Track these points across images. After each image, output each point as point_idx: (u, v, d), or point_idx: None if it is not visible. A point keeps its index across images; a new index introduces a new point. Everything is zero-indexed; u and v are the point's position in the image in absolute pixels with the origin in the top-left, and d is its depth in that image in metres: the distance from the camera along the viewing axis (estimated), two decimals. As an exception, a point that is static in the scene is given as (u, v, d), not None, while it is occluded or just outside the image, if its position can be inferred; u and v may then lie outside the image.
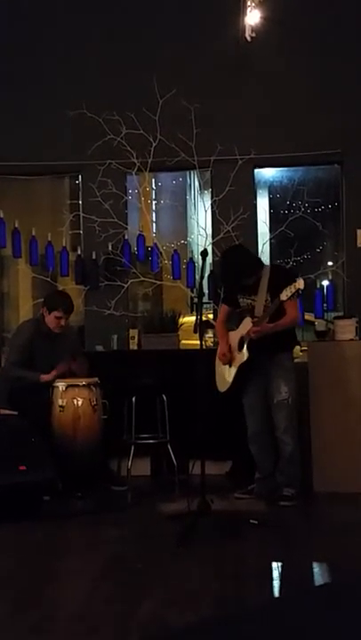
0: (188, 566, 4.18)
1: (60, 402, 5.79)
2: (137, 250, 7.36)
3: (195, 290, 7.07)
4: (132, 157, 7.20)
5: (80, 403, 5.79)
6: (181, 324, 7.09)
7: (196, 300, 5.82)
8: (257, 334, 5.46)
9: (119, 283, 7.27)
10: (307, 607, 3.64)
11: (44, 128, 7.35)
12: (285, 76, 7.27)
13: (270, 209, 8.71)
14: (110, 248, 7.27)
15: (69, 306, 6.13)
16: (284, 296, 5.33)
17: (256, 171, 7.48)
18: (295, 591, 3.86)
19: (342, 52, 7.23)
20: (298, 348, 6.29)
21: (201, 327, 5.13)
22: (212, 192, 7.40)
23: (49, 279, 7.55)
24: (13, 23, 7.46)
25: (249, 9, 6.58)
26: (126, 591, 3.84)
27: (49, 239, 7.38)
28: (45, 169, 7.50)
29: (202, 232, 7.48)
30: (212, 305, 7.20)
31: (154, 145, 7.17)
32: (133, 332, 7.06)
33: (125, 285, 7.30)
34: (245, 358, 5.55)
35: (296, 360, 6.12)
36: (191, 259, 7.44)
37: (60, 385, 5.83)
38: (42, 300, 6.37)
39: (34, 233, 7.39)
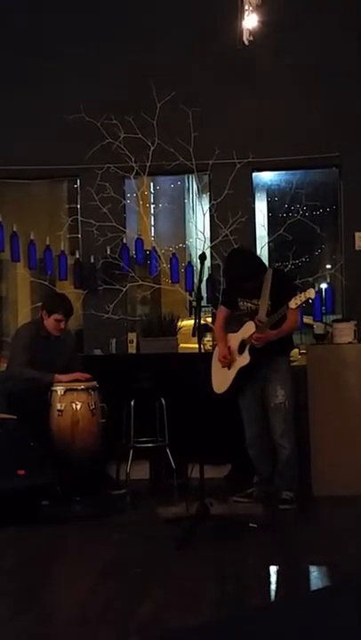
0: (188, 569, 4.18)
1: (58, 406, 5.78)
2: (135, 253, 7.37)
3: (193, 293, 7.08)
4: (131, 161, 7.21)
5: (79, 407, 5.78)
6: (180, 328, 7.09)
7: (194, 303, 5.83)
8: (260, 342, 5.46)
9: (118, 286, 7.27)
10: (306, 610, 3.64)
11: (42, 132, 7.35)
12: (283, 79, 7.28)
13: (269, 212, 8.73)
14: (109, 252, 7.27)
15: (69, 309, 6.09)
16: (293, 304, 5.34)
17: (254, 174, 7.49)
18: (294, 594, 3.86)
19: (340, 56, 7.25)
20: (296, 350, 6.30)
21: (199, 331, 5.12)
22: (210, 195, 7.41)
23: (47, 283, 7.56)
24: (12, 28, 7.47)
25: (246, 13, 6.57)
26: (126, 594, 3.84)
27: (47, 243, 7.38)
28: (44, 173, 7.51)
29: (200, 235, 7.49)
30: (210, 308, 7.20)
31: (152, 149, 7.18)
32: (132, 336, 7.06)
33: (124, 289, 7.30)
34: (247, 362, 5.55)
35: (295, 363, 6.13)
36: (190, 262, 7.45)
37: (59, 389, 5.82)
38: (40, 303, 6.35)
39: (32, 237, 7.40)
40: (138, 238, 7.43)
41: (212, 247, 7.26)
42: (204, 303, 6.27)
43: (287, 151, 7.22)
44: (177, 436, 6.05)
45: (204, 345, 5.97)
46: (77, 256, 7.44)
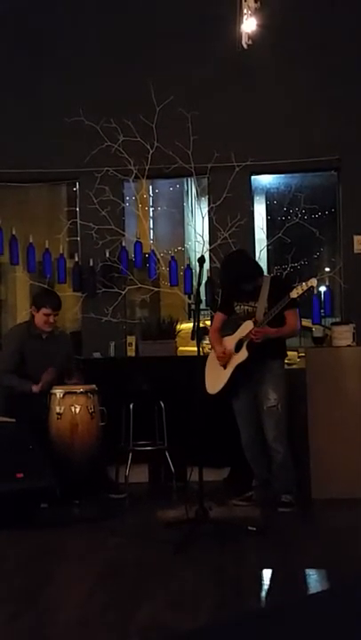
0: (187, 573, 4.18)
1: (57, 409, 5.78)
2: (134, 257, 7.37)
3: (192, 296, 7.08)
4: (130, 164, 7.22)
5: (78, 410, 5.78)
6: (179, 331, 7.10)
7: (193, 306, 5.83)
8: (258, 335, 5.45)
9: (116, 289, 7.27)
10: (305, 613, 3.64)
11: (41, 135, 7.36)
12: (282, 83, 7.30)
13: (267, 215, 8.73)
14: (108, 255, 7.28)
15: (57, 302, 6.09)
16: (294, 293, 5.36)
17: (253, 177, 7.50)
18: (293, 597, 3.86)
19: (339, 59, 7.26)
20: (295, 353, 6.31)
21: (198, 334, 5.12)
22: (209, 199, 7.42)
23: (46, 286, 7.55)
24: (13, 31, 7.48)
25: (245, 16, 6.59)
26: (125, 597, 3.83)
27: (46, 246, 7.39)
28: (43, 176, 7.52)
29: (199, 239, 7.50)
30: (209, 312, 7.21)
31: (151, 152, 7.19)
32: (131, 339, 7.07)
33: (123, 292, 7.31)
34: (245, 357, 5.54)
35: (293, 366, 6.14)
36: (188, 265, 7.46)
37: (58, 392, 5.82)
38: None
39: (31, 240, 7.40)
40: (137, 241, 7.44)
41: (210, 250, 7.26)
42: (202, 306, 6.29)
43: (286, 154, 7.23)
44: (176, 439, 6.05)
45: (203, 348, 5.95)
46: (76, 259, 7.44)
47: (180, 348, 7.04)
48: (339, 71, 7.27)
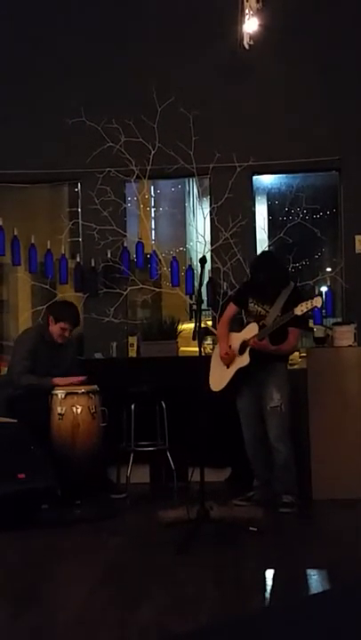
0: (188, 573, 4.18)
1: (59, 409, 5.77)
2: (136, 257, 7.38)
3: (194, 297, 7.08)
4: (131, 165, 7.23)
5: (79, 410, 5.78)
6: (180, 331, 7.10)
7: (195, 307, 5.83)
8: (257, 347, 5.47)
9: (118, 290, 7.28)
10: (306, 614, 3.64)
11: (43, 136, 7.37)
12: (284, 83, 7.30)
13: (269, 215, 8.72)
14: (109, 255, 7.28)
15: (77, 320, 6.11)
16: (298, 311, 5.35)
17: (254, 177, 7.51)
18: (294, 598, 3.86)
19: (341, 59, 7.27)
20: (297, 354, 6.31)
21: (200, 334, 5.13)
22: (210, 199, 7.42)
23: (48, 287, 7.56)
24: (13, 32, 7.49)
25: (247, 17, 6.59)
26: (125, 597, 3.84)
27: (48, 247, 7.39)
28: (44, 177, 7.52)
29: (201, 239, 7.50)
30: (210, 312, 7.21)
31: (153, 152, 7.19)
32: (132, 340, 7.07)
33: (124, 293, 7.31)
34: (246, 363, 5.56)
35: (295, 366, 6.13)
36: (190, 266, 7.45)
37: (59, 392, 5.82)
38: (41, 307, 6.37)
39: (33, 240, 7.41)
40: (138, 242, 7.45)
41: (212, 250, 7.27)
42: (204, 307, 6.29)
43: (287, 154, 7.23)
44: (177, 439, 6.06)
45: (204, 348, 5.98)
46: (78, 260, 7.45)
47: (182, 349, 7.04)
48: (340, 71, 7.27)
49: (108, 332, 7.19)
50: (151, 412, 6.16)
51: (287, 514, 5.49)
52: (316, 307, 5.46)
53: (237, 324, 5.83)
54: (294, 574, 4.20)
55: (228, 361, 5.69)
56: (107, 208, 7.28)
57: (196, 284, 5.59)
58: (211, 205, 7.37)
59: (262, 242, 7.61)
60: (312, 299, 5.39)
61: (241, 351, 5.63)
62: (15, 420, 5.66)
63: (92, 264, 7.31)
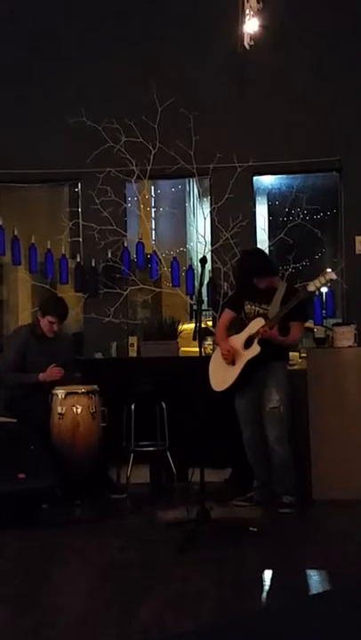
0: (188, 573, 4.18)
1: (59, 409, 5.78)
2: (136, 257, 7.37)
3: (194, 297, 7.08)
4: (132, 165, 7.22)
5: (79, 410, 5.79)
6: (181, 332, 7.10)
7: (195, 307, 5.82)
8: (265, 335, 5.46)
9: (118, 290, 7.27)
10: (306, 614, 3.64)
11: (43, 136, 7.36)
12: (284, 83, 7.30)
13: (269, 216, 8.74)
14: (110, 255, 7.28)
15: (63, 312, 6.15)
16: (312, 286, 5.35)
17: (255, 178, 7.50)
18: (294, 598, 3.86)
19: (341, 60, 7.26)
20: (297, 354, 6.30)
21: (200, 334, 5.13)
22: (211, 199, 7.42)
23: (48, 287, 7.56)
24: (14, 33, 7.48)
25: (247, 17, 6.59)
26: (125, 597, 3.84)
27: (48, 247, 7.39)
28: (45, 177, 7.52)
29: (201, 239, 7.50)
30: (211, 312, 7.21)
31: (153, 153, 7.19)
32: (133, 340, 7.07)
33: (125, 293, 7.31)
34: (257, 352, 5.51)
35: (295, 367, 6.13)
36: (190, 266, 7.45)
37: (60, 392, 5.83)
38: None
39: (33, 240, 7.41)
40: (139, 242, 7.44)
41: (212, 251, 7.27)
42: (204, 307, 6.27)
43: (288, 155, 7.23)
44: (177, 439, 6.05)
45: (204, 348, 5.97)
46: (78, 260, 7.45)
47: (182, 349, 7.04)
48: (340, 72, 7.27)
49: (109, 332, 7.19)
50: (151, 412, 6.16)
51: (287, 514, 5.48)
52: (331, 279, 5.41)
53: (237, 326, 5.81)
54: (294, 574, 4.20)
55: (229, 359, 5.67)
56: (107, 208, 7.27)
57: (197, 284, 5.57)
58: (211, 206, 7.37)
59: (263, 242, 7.61)
60: (324, 274, 5.35)
61: (247, 345, 5.60)
62: (15, 420, 5.67)
63: (93, 264, 7.31)
